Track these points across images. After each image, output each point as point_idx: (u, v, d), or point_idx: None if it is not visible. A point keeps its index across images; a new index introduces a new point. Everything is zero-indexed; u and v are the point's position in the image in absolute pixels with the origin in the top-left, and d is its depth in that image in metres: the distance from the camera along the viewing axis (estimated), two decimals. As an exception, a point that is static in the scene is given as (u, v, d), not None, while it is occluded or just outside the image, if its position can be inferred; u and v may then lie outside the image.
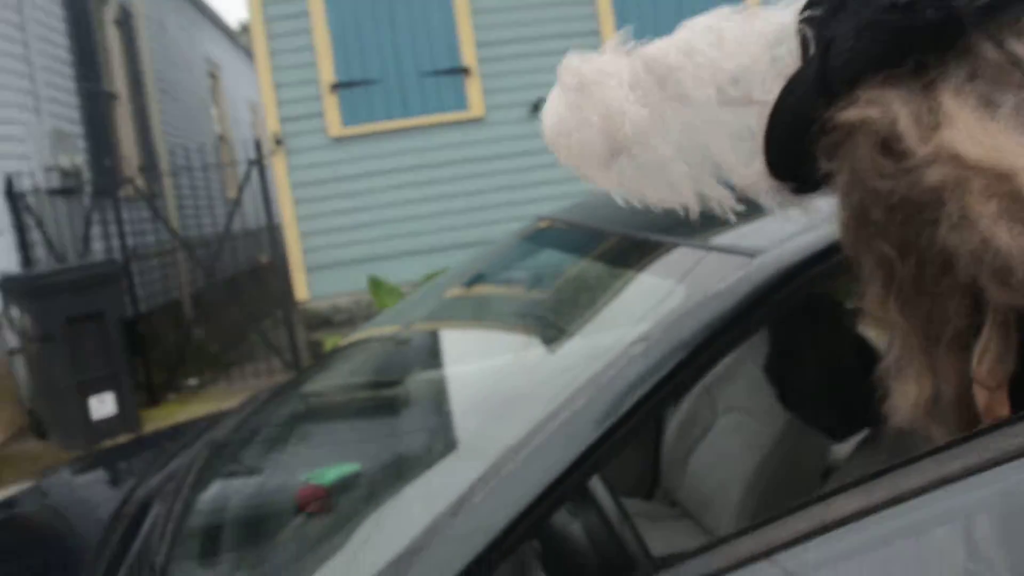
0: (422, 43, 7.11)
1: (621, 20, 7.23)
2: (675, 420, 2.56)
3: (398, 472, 1.49)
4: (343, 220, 7.10)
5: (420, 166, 7.14)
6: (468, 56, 7.14)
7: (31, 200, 7.13)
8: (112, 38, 9.91)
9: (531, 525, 1.04)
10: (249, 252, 11.62)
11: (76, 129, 8.63)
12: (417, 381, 1.88)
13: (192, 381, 7.57)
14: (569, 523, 1.51)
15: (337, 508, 1.54)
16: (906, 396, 0.80)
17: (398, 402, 1.93)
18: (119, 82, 9.97)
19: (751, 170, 0.85)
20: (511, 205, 7.02)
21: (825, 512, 0.86)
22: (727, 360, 2.58)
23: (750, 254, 1.19)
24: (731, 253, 1.22)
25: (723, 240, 1.30)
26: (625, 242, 1.52)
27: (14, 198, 7.02)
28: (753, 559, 0.90)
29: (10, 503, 2.52)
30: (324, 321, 7.04)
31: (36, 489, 2.63)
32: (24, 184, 7.15)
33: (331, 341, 6.07)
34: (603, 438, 1.04)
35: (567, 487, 1.05)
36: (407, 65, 7.10)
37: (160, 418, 6.35)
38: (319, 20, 7.02)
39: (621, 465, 2.68)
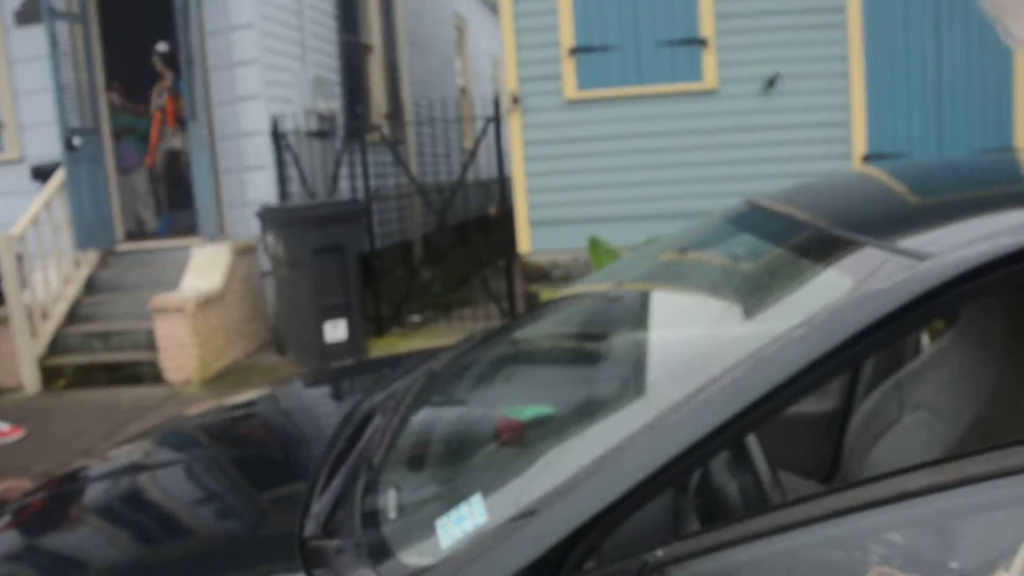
0: (661, 12, 7.17)
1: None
2: (862, 411, 2.61)
3: (584, 416, 1.70)
4: (569, 180, 7.36)
5: (648, 134, 7.26)
6: (706, 27, 7.13)
7: (291, 140, 7.89)
8: (372, -8, 10.63)
9: (681, 470, 1.21)
10: (480, 202, 12.19)
11: (334, 77, 9.39)
12: (615, 338, 2.08)
13: (416, 318, 8.15)
14: (727, 482, 1.67)
15: (529, 440, 1.77)
16: None
17: (595, 355, 2.14)
18: (375, 34, 10.70)
19: None
20: (734, 180, 7.02)
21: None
22: (922, 359, 2.60)
23: (921, 257, 1.28)
24: (904, 255, 1.31)
25: (906, 242, 1.39)
26: (814, 234, 1.63)
27: (277, 138, 7.80)
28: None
29: (250, 403, 2.92)
30: (542, 274, 7.38)
31: (272, 395, 3.04)
32: (287, 125, 7.92)
33: (546, 294, 6.38)
34: (755, 405, 1.19)
35: (716, 444, 1.21)
36: (645, 33, 7.19)
37: (384, 347, 6.94)
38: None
39: (805, 449, 2.77)
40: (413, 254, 10.57)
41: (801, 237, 1.66)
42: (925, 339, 2.89)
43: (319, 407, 2.92)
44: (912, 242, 1.39)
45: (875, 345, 1.24)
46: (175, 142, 8.75)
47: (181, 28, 7.31)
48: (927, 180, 2.29)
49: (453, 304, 8.52)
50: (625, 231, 7.02)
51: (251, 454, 2.41)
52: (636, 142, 7.29)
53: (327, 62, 9.26)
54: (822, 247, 1.54)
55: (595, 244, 6.54)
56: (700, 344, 1.59)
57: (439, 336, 6.97)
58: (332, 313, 6.63)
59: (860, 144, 7.11)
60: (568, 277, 7.15)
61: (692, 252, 2.17)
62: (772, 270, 1.66)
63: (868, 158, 7.06)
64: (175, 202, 8.85)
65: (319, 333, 6.59)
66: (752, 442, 1.70)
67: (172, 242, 8.13)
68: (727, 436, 1.22)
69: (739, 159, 7.14)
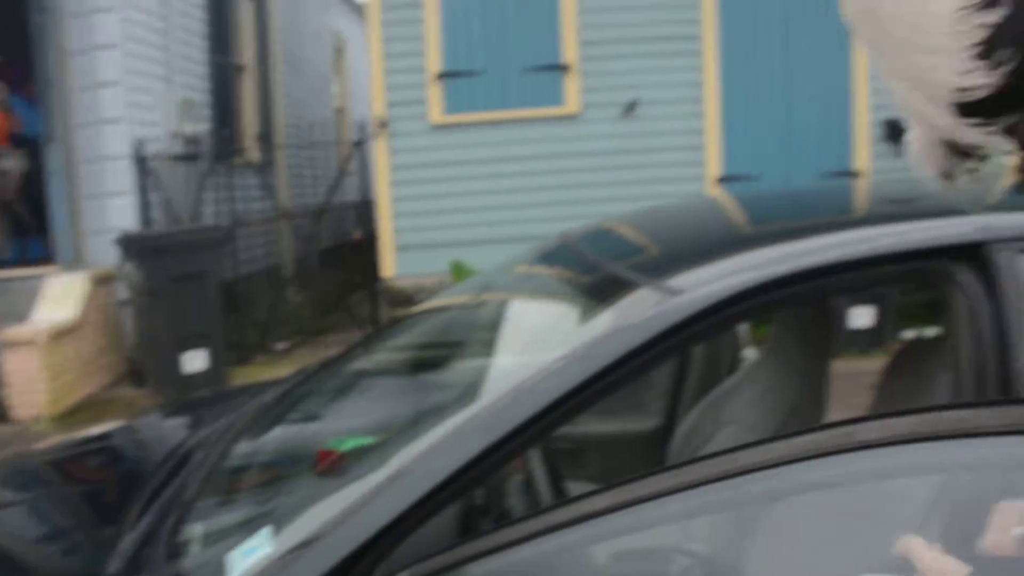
0: (526, 38, 7.36)
1: (725, 26, 7.32)
2: (682, 428, 2.77)
3: (389, 443, 1.77)
4: (435, 204, 7.45)
5: (513, 157, 7.42)
6: (569, 53, 7.35)
7: (154, 164, 7.72)
8: (246, 11, 10.49)
9: (453, 492, 1.30)
10: (347, 226, 12.15)
11: (203, 98, 9.23)
12: (427, 367, 2.17)
13: (281, 345, 8.07)
14: (516, 500, 1.77)
15: (346, 470, 1.83)
16: None
17: (413, 382, 2.22)
18: (248, 54, 10.57)
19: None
20: (596, 202, 7.22)
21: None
22: (737, 376, 2.78)
23: (674, 293, 1.41)
24: (664, 291, 1.44)
25: (677, 279, 1.52)
26: (602, 274, 1.76)
27: (140, 161, 7.62)
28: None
29: (105, 436, 2.90)
30: (407, 299, 7.43)
31: (128, 426, 3.02)
32: (151, 149, 7.75)
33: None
34: (516, 431, 1.29)
35: (484, 466, 1.30)
36: (510, 59, 7.36)
37: (247, 376, 6.84)
38: (432, 10, 7.33)
39: (631, 467, 2.91)
40: (280, 280, 10.46)
41: (592, 277, 1.78)
42: (747, 354, 3.09)
43: (175, 437, 2.91)
44: (682, 279, 1.52)
45: (629, 375, 1.36)
46: (8, 163, 8.32)
47: (37, 48, 7.09)
48: (740, 211, 2.46)
49: (321, 330, 8.48)
50: (491, 255, 7.13)
51: (90, 490, 2.39)
52: (502, 166, 7.44)
53: (196, 83, 9.10)
54: (605, 286, 1.66)
55: (458, 268, 6.64)
56: (484, 374, 1.68)
57: (304, 363, 6.92)
58: (192, 343, 6.52)
59: (715, 167, 7.44)
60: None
61: (507, 283, 2.28)
62: (561, 305, 1.78)
63: (722, 180, 7.40)
64: (28, 228, 8.49)
65: (178, 364, 6.46)
66: (537, 462, 1.81)
67: (23, 271, 7.80)
68: (495, 459, 1.31)
69: (601, 182, 7.36)
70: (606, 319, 1.43)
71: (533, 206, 7.39)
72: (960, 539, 1.30)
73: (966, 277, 1.61)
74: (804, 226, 1.91)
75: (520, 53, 7.36)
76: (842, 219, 2.11)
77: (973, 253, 1.62)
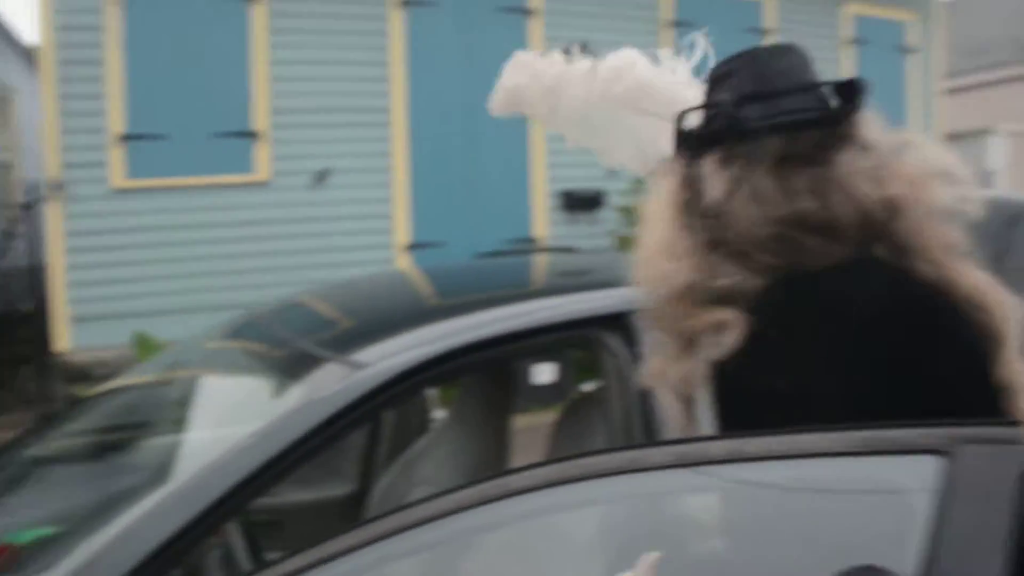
0: (215, 104, 7.24)
1: (414, 100, 7.69)
2: (378, 490, 2.88)
3: (74, 531, 1.72)
4: (116, 272, 7.05)
5: (202, 224, 7.22)
6: (259, 121, 7.33)
7: None
8: None
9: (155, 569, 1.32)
10: (14, 294, 11.10)
11: None
12: (110, 449, 2.12)
13: (-65, 429, 7.18)
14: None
15: (25, 565, 1.74)
16: None
17: (103, 463, 2.16)
18: None
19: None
20: (288, 270, 7.22)
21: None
22: (427, 438, 2.95)
23: (359, 367, 1.53)
24: (350, 365, 1.56)
25: (361, 353, 1.64)
26: (290, 350, 1.85)
27: None
28: None
29: None
30: (84, 374, 6.92)
31: None
32: None
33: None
34: (213, 507, 1.34)
35: (183, 544, 1.34)
36: (198, 124, 7.20)
37: None
38: (115, 68, 7.00)
39: (333, 530, 2.97)
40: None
41: (281, 352, 1.86)
42: (437, 415, 3.28)
43: None
44: (364, 353, 1.64)
45: (321, 446, 1.46)
46: None
47: None
48: (424, 285, 2.65)
49: (-15, 410, 7.64)
50: (176, 325, 6.85)
51: None
52: (189, 233, 7.21)
53: None
54: (294, 361, 1.76)
55: (141, 340, 6.31)
56: (177, 452, 1.71)
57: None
58: None
59: (403, 235, 7.72)
60: (114, 376, 6.78)
61: (192, 360, 2.29)
62: (252, 382, 1.84)
63: (411, 247, 7.69)
64: None
65: None
66: (236, 535, 1.84)
67: None
68: (192, 536, 1.34)
69: (293, 249, 7.36)
70: (296, 394, 1.52)
71: (223, 274, 7.22)
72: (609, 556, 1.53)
73: (612, 341, 1.89)
74: (480, 300, 2.12)
75: (209, 118, 7.22)
76: (514, 293, 2.36)
77: (617, 321, 1.91)
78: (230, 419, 1.72)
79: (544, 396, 2.74)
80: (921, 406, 1.09)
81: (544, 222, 8.29)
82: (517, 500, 0.97)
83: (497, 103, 1.77)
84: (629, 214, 8.14)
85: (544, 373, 2.78)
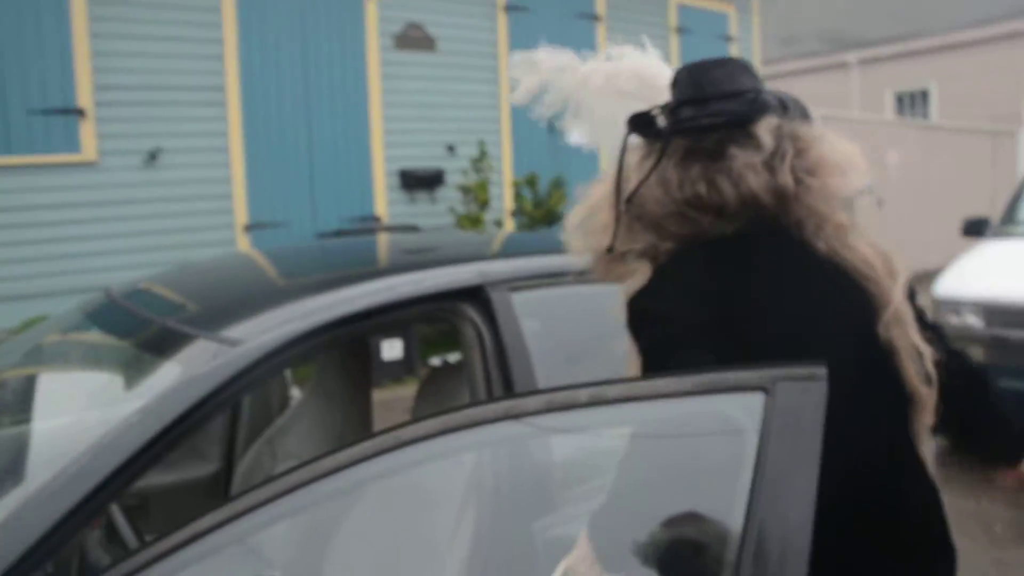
0: (34, 79, 6.85)
1: (246, 78, 7.53)
2: (242, 468, 2.91)
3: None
4: (-73, 259, 6.60)
5: (25, 207, 6.84)
6: (84, 98, 7.00)
7: None
8: None
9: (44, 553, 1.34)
10: None
11: None
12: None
13: None
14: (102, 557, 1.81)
15: None
16: None
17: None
18: None
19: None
20: (125, 252, 6.97)
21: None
22: (288, 413, 3.00)
23: (233, 344, 1.59)
24: (224, 342, 1.62)
25: (230, 331, 1.70)
26: (157, 329, 1.87)
27: None
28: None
29: None
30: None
31: None
32: None
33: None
34: (103, 485, 1.38)
35: (68, 528, 1.37)
36: (14, 101, 6.80)
37: None
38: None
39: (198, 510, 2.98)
40: None
41: (146, 331, 1.88)
42: (294, 393, 3.32)
43: None
44: (236, 330, 1.70)
45: (199, 423, 1.51)
46: None
47: None
48: (276, 264, 2.68)
49: None
50: (5, 312, 6.52)
51: None
52: (9, 216, 6.82)
53: None
54: (162, 340, 1.78)
55: (-36, 328, 5.97)
56: (53, 436, 1.72)
57: None
58: None
59: (242, 215, 7.59)
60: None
61: (52, 344, 2.26)
62: (120, 362, 1.85)
63: (250, 228, 7.57)
64: None
65: None
66: (121, 520, 1.87)
67: None
68: (80, 517, 1.38)
69: (127, 231, 7.10)
70: (172, 372, 1.56)
71: (54, 259, 6.88)
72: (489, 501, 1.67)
73: (471, 312, 2.02)
74: (344, 276, 2.20)
75: (27, 95, 6.83)
76: (375, 268, 2.45)
77: (475, 293, 2.04)
78: (103, 401, 1.74)
79: (396, 369, 2.86)
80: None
81: (384, 201, 8.33)
82: (406, 450, 1.09)
83: (519, 99, 2.08)
84: (468, 192, 8.31)
85: (395, 347, 2.89)
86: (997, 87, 17.04)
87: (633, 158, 1.59)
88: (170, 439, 1.45)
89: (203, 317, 1.90)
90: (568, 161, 9.40)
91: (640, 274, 1.53)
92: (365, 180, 8.24)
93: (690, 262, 1.51)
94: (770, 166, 1.52)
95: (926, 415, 1.50)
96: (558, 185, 8.80)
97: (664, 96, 1.65)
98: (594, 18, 9.67)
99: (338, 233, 7.81)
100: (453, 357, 2.60)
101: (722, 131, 1.53)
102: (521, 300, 2.07)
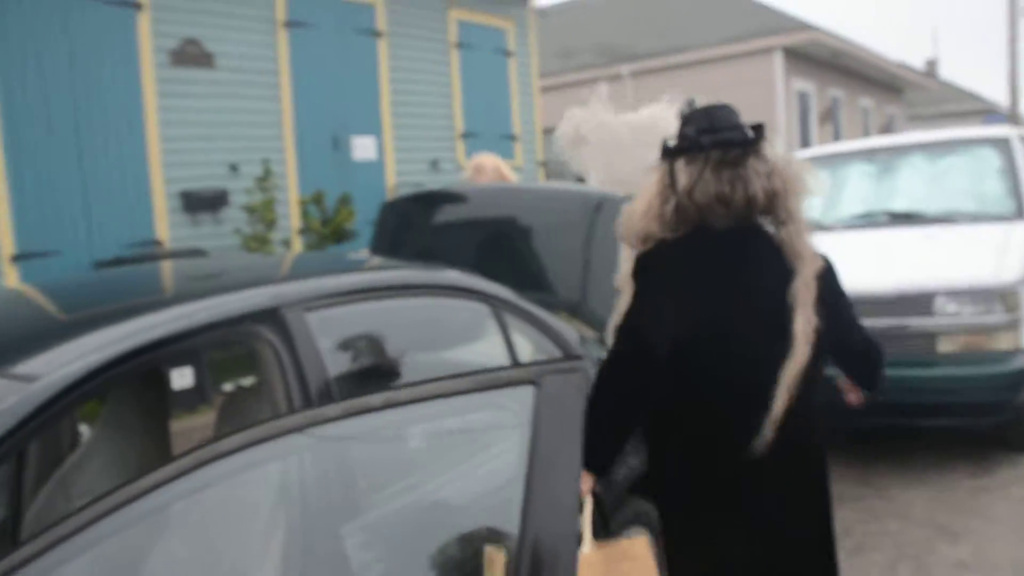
0: None
1: (5, 96, 7.07)
2: (32, 512, 2.80)
3: None
4: None
5: None
6: None
7: None
8: None
9: None
10: None
11: None
12: None
13: None
14: None
15: None
16: None
17: None
18: None
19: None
20: None
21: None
22: (80, 451, 2.92)
23: (30, 380, 1.60)
24: (17, 379, 1.62)
25: (22, 367, 1.69)
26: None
27: None
28: None
29: None
30: None
31: None
32: None
33: None
34: None
35: None
36: None
37: None
38: None
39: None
40: None
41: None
42: (83, 429, 3.22)
43: None
44: (29, 365, 1.69)
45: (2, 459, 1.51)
46: None
47: None
48: (58, 296, 2.63)
49: None
50: None
51: None
52: None
53: None
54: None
55: None
56: None
57: None
58: None
59: (8, 244, 7.11)
60: None
61: None
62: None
63: (17, 258, 7.10)
64: None
65: None
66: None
67: None
68: None
69: None
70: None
71: None
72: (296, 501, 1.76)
73: (269, 334, 2.10)
74: (130, 307, 2.21)
75: None
76: (164, 297, 2.46)
77: (271, 315, 2.12)
78: None
79: (191, 398, 2.87)
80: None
81: (166, 224, 8.05)
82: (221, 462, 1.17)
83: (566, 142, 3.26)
84: (254, 212, 8.16)
85: (186, 376, 2.90)
86: (753, 96, 18.66)
87: (678, 165, 2.32)
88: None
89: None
90: (354, 178, 9.45)
91: (652, 243, 2.30)
92: (144, 203, 7.92)
93: (694, 241, 2.27)
94: (769, 175, 2.26)
95: (796, 362, 2.13)
96: (345, 202, 8.82)
97: (657, 138, 2.46)
98: (376, 34, 9.79)
99: (117, 261, 7.46)
100: (247, 381, 2.64)
101: (740, 148, 2.26)
102: (316, 319, 2.17)
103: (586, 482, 1.99)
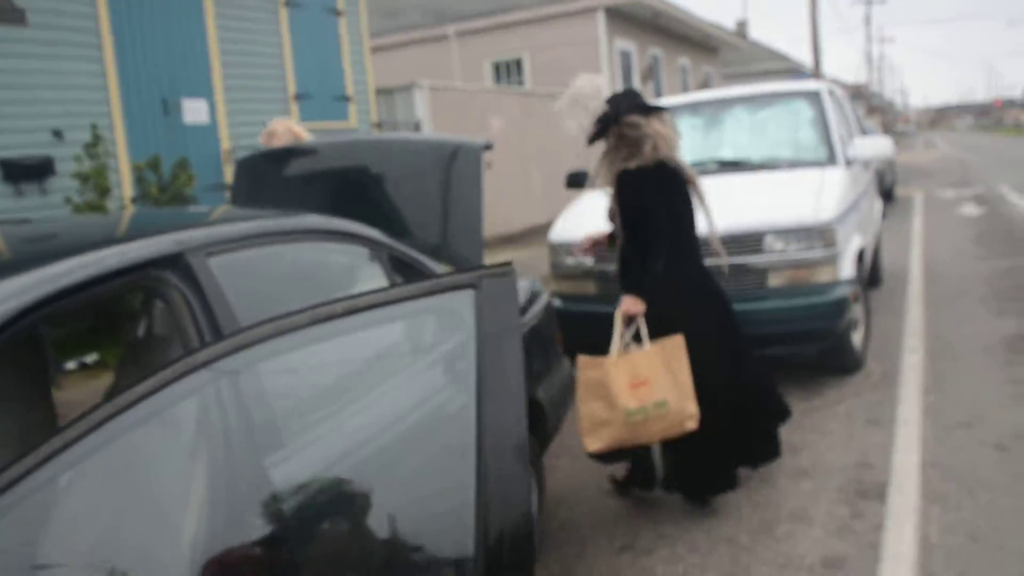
0: None
1: None
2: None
3: None
4: None
5: None
6: None
7: None
8: None
9: None
10: None
11: None
12: None
13: None
14: None
15: None
16: None
17: None
18: None
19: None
20: None
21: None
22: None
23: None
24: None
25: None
26: None
27: None
28: None
29: None
30: None
31: None
32: None
33: None
34: None
35: None
36: None
37: None
38: None
39: None
40: None
41: None
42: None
43: None
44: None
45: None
46: None
47: None
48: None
49: None
50: None
51: None
52: None
53: None
54: None
55: None
56: None
57: None
58: None
59: None
60: None
61: None
62: None
63: None
64: None
65: None
66: None
67: None
68: None
69: None
70: None
71: None
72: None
73: (175, 279, 2.14)
74: (30, 257, 2.17)
75: None
76: (65, 247, 2.42)
77: (175, 260, 2.16)
78: None
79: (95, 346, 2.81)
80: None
81: (-14, 195, 7.57)
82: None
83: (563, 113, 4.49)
84: (87, 180, 7.79)
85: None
86: (578, 55, 19.15)
87: (612, 129, 4.26)
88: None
89: None
90: (186, 142, 9.16)
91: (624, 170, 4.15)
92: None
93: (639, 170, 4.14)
94: (647, 132, 4.12)
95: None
96: (183, 167, 8.54)
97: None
98: (201, -6, 9.46)
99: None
100: (159, 327, 2.64)
101: (646, 113, 4.13)
102: (219, 263, 2.22)
103: (637, 304, 4.02)
